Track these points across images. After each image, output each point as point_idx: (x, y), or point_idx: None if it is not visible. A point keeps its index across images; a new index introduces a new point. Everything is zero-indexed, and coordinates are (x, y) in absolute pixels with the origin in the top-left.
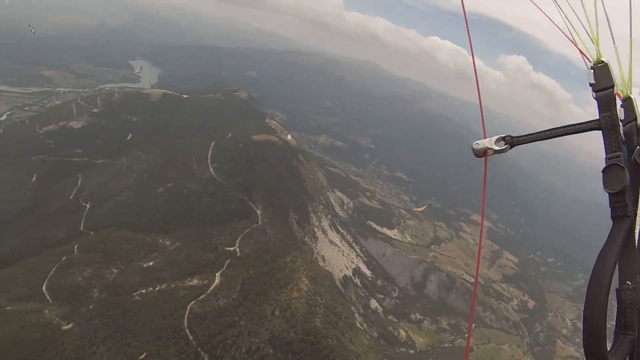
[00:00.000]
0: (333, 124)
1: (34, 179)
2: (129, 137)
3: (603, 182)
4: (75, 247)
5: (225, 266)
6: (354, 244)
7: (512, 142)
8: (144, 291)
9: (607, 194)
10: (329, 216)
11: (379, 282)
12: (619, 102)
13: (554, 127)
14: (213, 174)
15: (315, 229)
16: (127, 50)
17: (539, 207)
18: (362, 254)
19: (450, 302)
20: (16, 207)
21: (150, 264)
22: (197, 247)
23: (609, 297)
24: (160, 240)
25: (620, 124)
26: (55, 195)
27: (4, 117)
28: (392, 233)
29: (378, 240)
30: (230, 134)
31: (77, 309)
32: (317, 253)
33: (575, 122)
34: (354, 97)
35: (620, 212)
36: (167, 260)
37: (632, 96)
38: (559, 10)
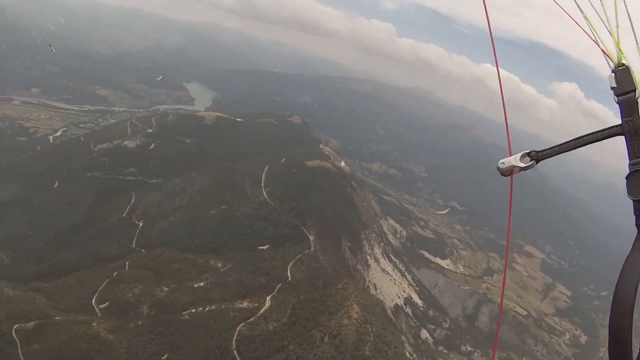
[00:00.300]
0: (386, 152)
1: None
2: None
3: (627, 189)
4: (127, 263)
5: (276, 290)
6: (406, 273)
7: (537, 157)
8: (193, 311)
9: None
10: (382, 244)
11: (431, 313)
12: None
13: (577, 136)
14: (266, 198)
15: (368, 257)
16: (182, 73)
17: (593, 239)
18: (414, 284)
19: (501, 335)
20: (71, 221)
21: (201, 284)
22: (249, 270)
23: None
24: (212, 262)
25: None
26: (109, 212)
27: (59, 133)
28: (445, 263)
29: (431, 270)
30: (284, 159)
31: (125, 324)
32: (369, 281)
33: (597, 130)
34: (407, 124)
35: None
36: (218, 282)
37: None
38: (581, 12)
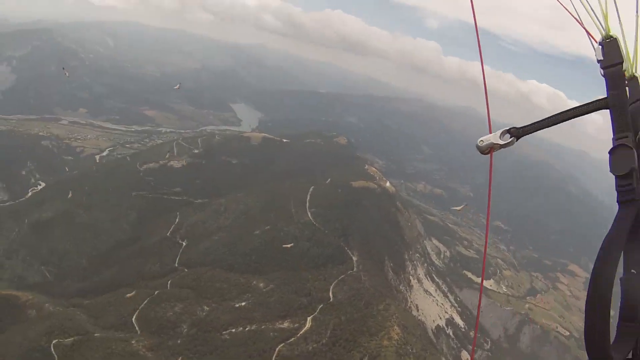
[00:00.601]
0: (432, 171)
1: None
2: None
3: (610, 164)
4: (169, 282)
5: (317, 311)
6: (448, 294)
7: (517, 133)
8: (233, 330)
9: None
10: (425, 265)
11: (472, 334)
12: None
13: (560, 111)
14: (310, 218)
15: (411, 277)
16: (229, 93)
17: None
18: (456, 304)
19: (543, 356)
20: (114, 239)
21: (242, 304)
22: (291, 291)
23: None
24: (254, 282)
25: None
26: (153, 231)
27: (105, 153)
28: (488, 283)
29: (473, 290)
30: (329, 180)
31: (164, 342)
32: (411, 302)
33: (582, 104)
34: (453, 143)
35: (627, 196)
36: (259, 302)
37: (637, 75)
38: None
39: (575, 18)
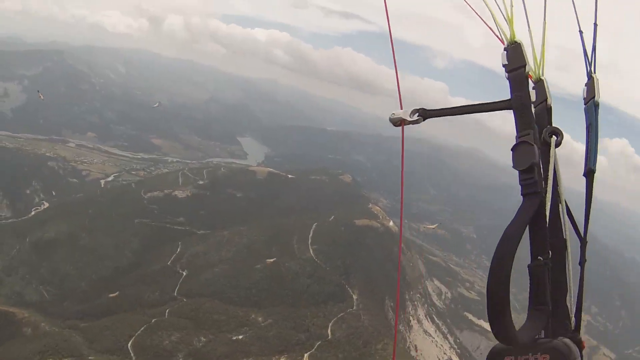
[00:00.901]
0: (436, 212)
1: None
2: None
3: (512, 160)
4: (167, 311)
5: (314, 348)
6: (448, 335)
7: (424, 114)
8: None
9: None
10: (426, 305)
11: None
12: (531, 84)
13: (468, 104)
14: (312, 255)
15: (411, 318)
16: (237, 127)
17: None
18: (455, 346)
19: None
20: (115, 264)
21: (240, 337)
22: (289, 326)
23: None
24: (253, 315)
25: (532, 105)
26: (154, 259)
27: (111, 178)
28: (489, 326)
29: (474, 332)
30: (332, 217)
31: None
32: (410, 342)
33: (488, 102)
34: (458, 184)
35: (529, 189)
36: (257, 336)
37: (543, 78)
38: None
39: (483, 20)
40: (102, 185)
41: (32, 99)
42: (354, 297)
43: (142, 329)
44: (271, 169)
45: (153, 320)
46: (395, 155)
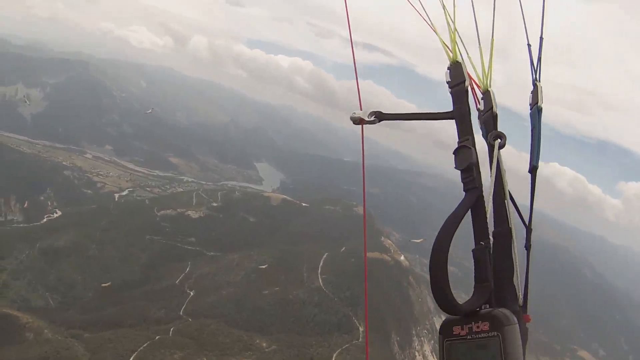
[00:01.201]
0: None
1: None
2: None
3: (454, 162)
4: (172, 329)
5: None
6: None
7: (380, 116)
8: None
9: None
10: (432, 342)
11: None
12: (479, 94)
13: (416, 112)
14: (321, 284)
15: (416, 353)
16: (254, 151)
17: None
18: None
19: None
20: (123, 278)
21: None
22: (293, 354)
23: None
24: (257, 340)
25: (481, 112)
26: (162, 276)
27: (125, 192)
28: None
29: None
30: (344, 248)
31: None
32: None
33: (433, 112)
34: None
35: (469, 185)
36: None
37: (490, 89)
38: (425, 13)
39: (439, 37)
40: (116, 199)
41: (53, 106)
42: (360, 329)
43: (145, 344)
44: (285, 196)
45: (157, 337)
46: (409, 189)
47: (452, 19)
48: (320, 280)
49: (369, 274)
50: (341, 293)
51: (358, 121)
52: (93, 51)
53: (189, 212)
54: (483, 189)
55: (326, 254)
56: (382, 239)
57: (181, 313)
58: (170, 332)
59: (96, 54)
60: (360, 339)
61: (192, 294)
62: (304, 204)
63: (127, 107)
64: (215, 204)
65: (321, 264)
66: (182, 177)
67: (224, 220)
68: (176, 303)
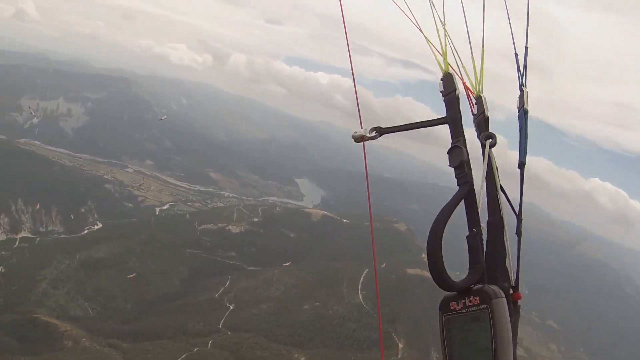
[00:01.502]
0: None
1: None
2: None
3: (449, 160)
4: (210, 342)
5: None
6: None
7: (381, 131)
8: None
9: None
10: None
11: None
12: (473, 100)
13: (414, 121)
14: (361, 300)
15: None
16: (294, 168)
17: None
18: None
19: None
20: (162, 291)
21: None
22: None
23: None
24: (296, 355)
25: (474, 116)
26: (201, 290)
27: (166, 207)
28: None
29: None
30: (384, 264)
31: None
32: None
33: (428, 119)
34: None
35: (462, 180)
36: None
37: (482, 95)
38: (417, 25)
39: (434, 51)
40: (157, 213)
41: (94, 121)
42: (400, 345)
43: (183, 356)
44: (326, 212)
45: (195, 349)
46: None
47: (444, 34)
48: (360, 296)
49: (410, 290)
50: (381, 309)
51: (359, 139)
52: (133, 67)
53: (230, 227)
54: (475, 183)
55: (366, 270)
56: (423, 255)
57: (220, 326)
58: (209, 345)
59: (136, 70)
60: (400, 356)
61: (231, 307)
62: (344, 220)
63: (167, 123)
64: (256, 219)
65: (361, 279)
66: (223, 192)
67: (264, 236)
68: (215, 316)
